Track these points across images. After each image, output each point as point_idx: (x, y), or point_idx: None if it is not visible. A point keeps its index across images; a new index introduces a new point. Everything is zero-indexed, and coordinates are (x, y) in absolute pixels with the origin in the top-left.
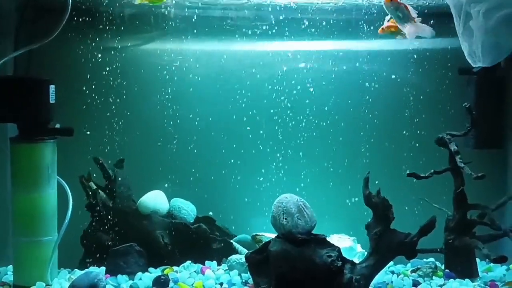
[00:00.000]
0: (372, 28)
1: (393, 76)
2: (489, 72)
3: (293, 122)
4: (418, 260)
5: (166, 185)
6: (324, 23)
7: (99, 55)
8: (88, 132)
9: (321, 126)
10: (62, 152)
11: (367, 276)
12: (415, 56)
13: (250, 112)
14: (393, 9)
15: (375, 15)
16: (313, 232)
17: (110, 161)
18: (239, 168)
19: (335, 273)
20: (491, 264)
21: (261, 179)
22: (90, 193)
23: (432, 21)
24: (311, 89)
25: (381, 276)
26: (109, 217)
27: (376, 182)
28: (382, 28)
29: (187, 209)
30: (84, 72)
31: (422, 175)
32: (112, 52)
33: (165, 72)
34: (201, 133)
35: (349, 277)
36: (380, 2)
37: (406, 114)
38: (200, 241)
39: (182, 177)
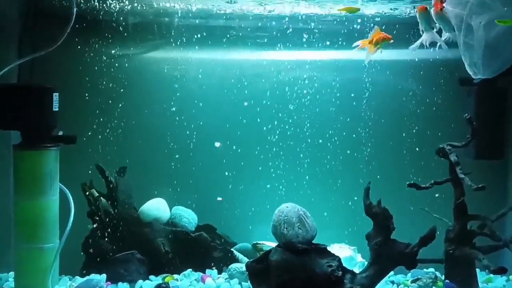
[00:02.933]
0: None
1: (394, 86)
2: (490, 83)
3: (295, 131)
4: (418, 270)
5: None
6: (326, 33)
7: (103, 63)
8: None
9: (323, 135)
10: (65, 159)
11: (367, 286)
12: (417, 66)
13: (252, 120)
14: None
15: (373, 25)
16: (314, 241)
17: (112, 169)
18: (240, 176)
19: (335, 283)
20: (491, 275)
21: (262, 187)
22: (92, 200)
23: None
24: (310, 100)
25: (381, 286)
26: (111, 224)
27: (377, 192)
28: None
29: (188, 217)
30: (88, 80)
31: (422, 185)
32: (116, 60)
33: (167, 80)
34: (203, 141)
35: (349, 287)
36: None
37: (407, 124)
38: (200, 250)
39: (183, 185)
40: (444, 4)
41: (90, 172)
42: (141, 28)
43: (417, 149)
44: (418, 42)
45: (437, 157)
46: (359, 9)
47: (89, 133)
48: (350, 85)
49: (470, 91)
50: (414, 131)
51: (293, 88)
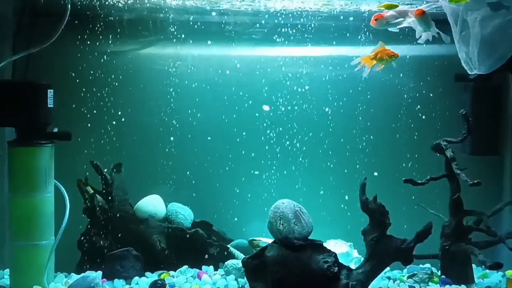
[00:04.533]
0: (369, 34)
1: (390, 82)
2: (485, 79)
3: (291, 127)
4: (414, 266)
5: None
6: (321, 29)
7: (98, 60)
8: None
9: (319, 132)
10: (60, 156)
11: (364, 282)
12: (413, 62)
13: (248, 117)
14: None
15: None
16: (310, 237)
17: (108, 165)
18: (237, 173)
19: (332, 278)
20: (487, 270)
21: (258, 184)
22: (87, 197)
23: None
24: (308, 94)
25: (377, 282)
26: (106, 221)
27: (373, 188)
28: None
29: (184, 214)
30: (82, 76)
31: (418, 181)
32: (110, 57)
33: (162, 76)
34: (199, 137)
35: (346, 283)
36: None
37: (403, 120)
38: (197, 246)
39: (179, 182)
40: (384, 15)
41: (85, 168)
42: (136, 24)
43: (413, 145)
44: (423, 37)
45: (433, 153)
46: (397, 6)
47: (84, 130)
48: (346, 81)
49: (466, 86)
50: (410, 126)
51: (289, 85)
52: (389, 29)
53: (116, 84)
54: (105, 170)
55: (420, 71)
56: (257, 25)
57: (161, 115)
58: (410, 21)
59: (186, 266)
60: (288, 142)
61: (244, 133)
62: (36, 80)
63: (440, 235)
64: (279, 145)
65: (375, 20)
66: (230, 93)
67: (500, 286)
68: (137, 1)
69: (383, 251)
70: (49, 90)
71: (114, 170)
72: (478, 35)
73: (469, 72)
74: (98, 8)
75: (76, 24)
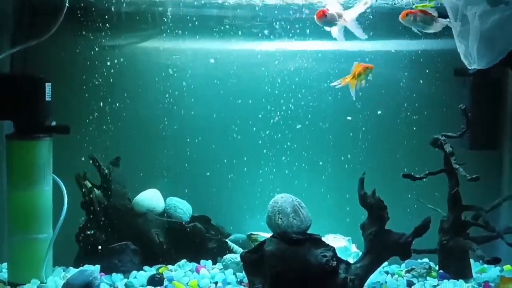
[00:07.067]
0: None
1: (389, 77)
2: (484, 73)
3: (290, 122)
4: (412, 261)
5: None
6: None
7: (96, 54)
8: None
9: (318, 127)
10: (58, 149)
11: (362, 276)
12: (411, 57)
13: (247, 111)
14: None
15: (371, 16)
16: (308, 231)
17: (106, 159)
18: (235, 167)
19: (330, 273)
20: (485, 265)
21: (257, 178)
22: (85, 191)
23: None
24: (305, 91)
25: (375, 276)
26: (104, 215)
27: (372, 182)
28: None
29: (183, 208)
30: (80, 70)
31: (417, 176)
32: (109, 50)
33: (161, 70)
34: (198, 132)
35: (344, 277)
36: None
37: (402, 115)
38: (195, 240)
39: (178, 176)
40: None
41: (84, 162)
42: (134, 18)
43: (412, 139)
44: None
45: (432, 147)
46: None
47: (83, 123)
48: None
49: (465, 81)
50: (408, 121)
51: (288, 80)
52: (327, 29)
53: (115, 78)
54: (104, 164)
55: (419, 65)
56: (257, 18)
57: (160, 109)
58: (344, 23)
59: (185, 260)
60: (287, 137)
61: (243, 127)
62: (34, 73)
63: (438, 230)
64: (278, 140)
65: (318, 18)
66: (229, 88)
67: (498, 281)
68: None
69: (381, 245)
70: (47, 84)
71: (113, 164)
72: (477, 29)
73: (468, 67)
74: (97, 1)
75: (74, 17)
